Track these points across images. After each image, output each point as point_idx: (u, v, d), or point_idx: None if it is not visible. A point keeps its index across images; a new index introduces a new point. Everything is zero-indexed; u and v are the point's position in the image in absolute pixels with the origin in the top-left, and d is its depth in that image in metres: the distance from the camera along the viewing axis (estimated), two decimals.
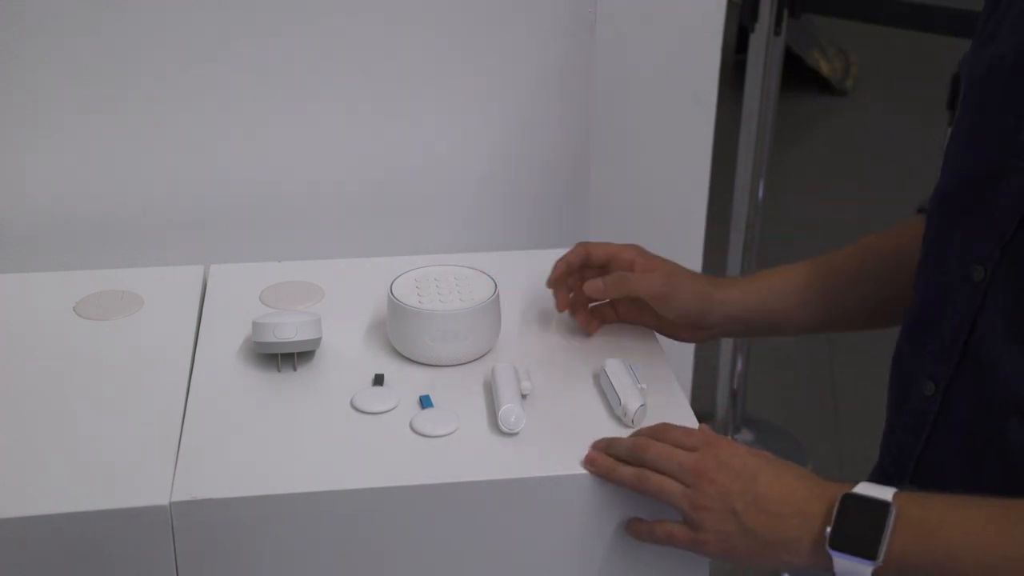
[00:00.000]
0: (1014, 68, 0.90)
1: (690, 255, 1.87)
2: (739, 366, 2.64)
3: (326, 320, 1.18)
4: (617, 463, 0.98)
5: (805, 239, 3.50)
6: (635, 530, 1.00)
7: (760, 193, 2.46)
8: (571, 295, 1.20)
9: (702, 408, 2.59)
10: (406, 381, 1.13)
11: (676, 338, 1.21)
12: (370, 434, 1.05)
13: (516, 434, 1.04)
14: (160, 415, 1.07)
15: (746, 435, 2.64)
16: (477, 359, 1.16)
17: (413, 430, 1.05)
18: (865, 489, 0.88)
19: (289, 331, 1.12)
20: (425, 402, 1.09)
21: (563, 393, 1.11)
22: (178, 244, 1.40)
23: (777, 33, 2.30)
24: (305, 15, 1.33)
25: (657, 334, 1.22)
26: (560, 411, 1.08)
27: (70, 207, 1.37)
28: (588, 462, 1.00)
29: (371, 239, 1.43)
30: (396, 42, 1.37)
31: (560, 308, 1.20)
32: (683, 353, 1.93)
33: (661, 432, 0.99)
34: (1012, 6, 0.94)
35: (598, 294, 1.15)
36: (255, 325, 1.14)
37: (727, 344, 2.64)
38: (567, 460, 1.01)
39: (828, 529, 0.87)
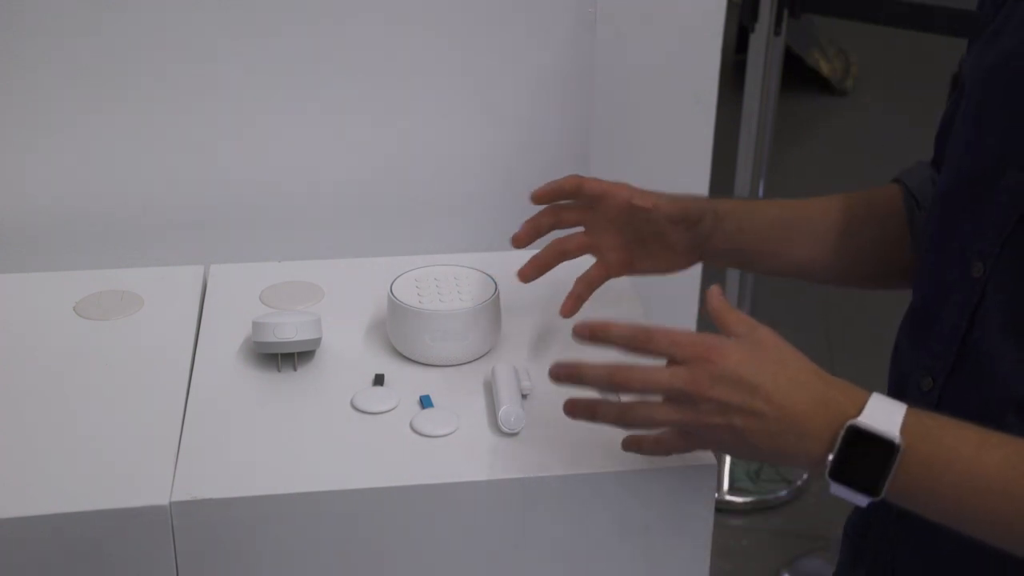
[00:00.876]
0: (1017, 66, 0.90)
1: None
2: None
3: (326, 320, 1.18)
4: (597, 403, 0.93)
5: None
6: (631, 443, 0.95)
7: (760, 193, 2.46)
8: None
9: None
10: (406, 381, 1.13)
11: (673, 269, 1.16)
12: (370, 434, 1.05)
13: (516, 434, 1.04)
14: (160, 415, 1.07)
15: None
16: (477, 359, 1.16)
17: (413, 430, 1.05)
18: (872, 419, 0.82)
19: (289, 331, 1.12)
20: (425, 402, 1.09)
21: (563, 393, 1.11)
22: (178, 244, 1.40)
23: (777, 33, 2.30)
24: (305, 15, 1.33)
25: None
26: (560, 411, 1.08)
27: (70, 207, 1.37)
28: (567, 409, 0.95)
29: (371, 239, 1.43)
30: (396, 42, 1.37)
31: (520, 240, 1.15)
32: None
33: (642, 343, 0.92)
34: (1020, 2, 0.94)
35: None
36: (255, 325, 1.14)
37: None
38: (567, 460, 1.01)
39: (830, 457, 0.83)
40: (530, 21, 1.40)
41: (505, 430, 1.04)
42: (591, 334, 0.94)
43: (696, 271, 1.83)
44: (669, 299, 1.83)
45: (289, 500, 0.97)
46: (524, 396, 1.09)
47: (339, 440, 1.04)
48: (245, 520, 0.98)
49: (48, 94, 1.32)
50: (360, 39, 1.36)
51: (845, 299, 3.21)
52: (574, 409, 0.95)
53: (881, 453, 0.82)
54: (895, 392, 1.03)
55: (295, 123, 1.39)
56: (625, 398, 0.93)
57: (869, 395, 0.85)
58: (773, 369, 0.87)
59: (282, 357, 1.14)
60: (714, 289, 0.95)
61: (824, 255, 1.13)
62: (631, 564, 1.04)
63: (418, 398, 1.09)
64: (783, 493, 2.55)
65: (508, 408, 1.04)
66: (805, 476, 2.58)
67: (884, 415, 0.83)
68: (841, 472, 0.83)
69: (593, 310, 1.25)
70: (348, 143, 1.41)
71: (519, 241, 1.16)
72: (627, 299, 1.28)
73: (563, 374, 0.94)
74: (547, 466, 1.01)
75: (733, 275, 2.58)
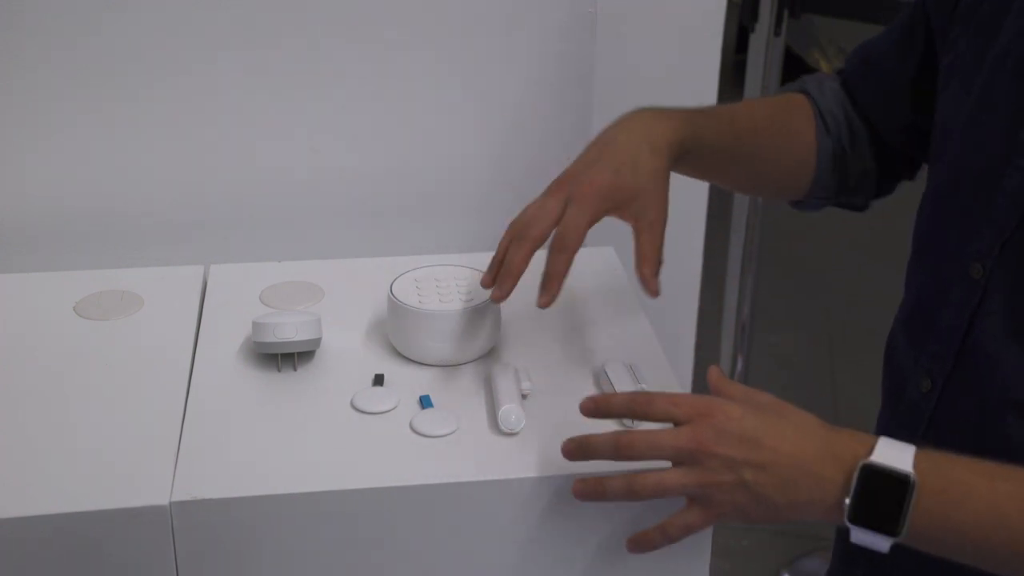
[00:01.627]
0: (1013, 70, 0.90)
1: (690, 255, 1.87)
2: (739, 366, 2.64)
3: (326, 320, 1.18)
4: (604, 481, 0.92)
5: (805, 239, 3.51)
6: (644, 543, 0.94)
7: (758, 202, 2.46)
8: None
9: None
10: (406, 381, 1.13)
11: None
12: (370, 434, 1.05)
13: (516, 434, 1.04)
14: (160, 415, 1.07)
15: None
16: (477, 359, 1.16)
17: (413, 430, 1.05)
18: (884, 457, 0.82)
19: (289, 331, 1.12)
20: (425, 402, 1.09)
21: (563, 393, 1.11)
22: (178, 244, 1.40)
23: (777, 33, 2.30)
24: (305, 15, 1.33)
25: (655, 337, 1.22)
26: (560, 411, 1.08)
27: (70, 207, 1.37)
28: (576, 492, 0.94)
29: (371, 239, 1.43)
30: (396, 42, 1.37)
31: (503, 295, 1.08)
32: (683, 353, 1.93)
33: (643, 407, 0.91)
34: (971, 12, 0.94)
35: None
36: (255, 325, 1.14)
37: (727, 344, 2.64)
38: (567, 460, 1.01)
39: (847, 501, 0.82)
40: (530, 21, 1.39)
41: (505, 430, 1.04)
42: (595, 407, 0.95)
43: (696, 271, 1.84)
44: (670, 299, 1.83)
45: (289, 500, 0.97)
46: (524, 396, 1.09)
47: (339, 440, 1.04)
48: (245, 520, 0.98)
49: (48, 94, 1.32)
50: (360, 39, 1.36)
51: (845, 299, 3.22)
52: (582, 490, 0.94)
53: (897, 490, 0.81)
54: (892, 393, 1.03)
55: (295, 123, 1.39)
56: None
57: (877, 438, 0.84)
58: (776, 421, 0.87)
59: (282, 357, 1.14)
60: (713, 369, 0.95)
61: (742, 173, 1.17)
62: (631, 564, 1.03)
63: (418, 398, 1.09)
64: None
65: (508, 408, 1.04)
66: None
67: (895, 453, 0.83)
68: (859, 514, 0.83)
69: (594, 313, 1.25)
70: (348, 143, 1.41)
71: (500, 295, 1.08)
72: (627, 301, 1.28)
73: (574, 449, 0.94)
74: (547, 466, 1.01)
75: (733, 275, 2.58)
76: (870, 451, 0.83)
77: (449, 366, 1.15)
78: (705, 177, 1.16)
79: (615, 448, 0.91)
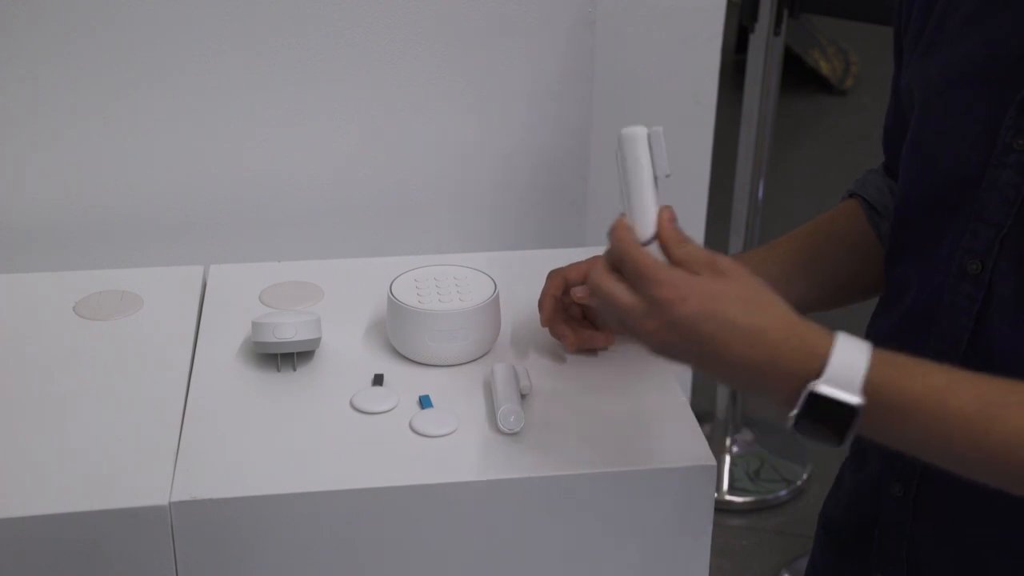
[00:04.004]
0: (980, 73, 0.91)
1: None
2: None
3: (326, 320, 1.18)
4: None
5: None
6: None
7: (760, 193, 2.46)
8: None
9: (702, 408, 2.59)
10: (406, 381, 1.13)
11: None
12: (370, 434, 1.05)
13: (516, 434, 1.04)
14: (160, 415, 1.07)
15: (746, 435, 2.64)
16: (477, 359, 1.16)
17: (413, 430, 1.05)
18: (834, 377, 0.81)
19: (289, 331, 1.12)
20: (425, 402, 1.09)
21: (563, 393, 1.11)
22: (178, 244, 1.40)
23: (777, 33, 2.30)
24: (305, 16, 1.34)
25: None
26: (560, 411, 1.08)
27: (70, 207, 1.37)
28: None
29: (371, 239, 1.44)
30: (395, 43, 1.37)
31: (570, 347, 1.15)
32: None
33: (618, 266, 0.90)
34: (949, 13, 0.94)
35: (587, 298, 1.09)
36: (255, 325, 1.14)
37: None
38: (567, 460, 1.01)
39: (792, 414, 0.83)
40: (530, 21, 1.40)
41: (505, 430, 1.04)
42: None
43: None
44: None
45: (289, 500, 0.97)
46: (524, 396, 1.09)
47: (338, 440, 1.04)
48: (245, 520, 0.98)
49: (48, 95, 1.32)
50: (360, 40, 1.36)
51: None
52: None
53: (843, 413, 0.81)
54: None
55: (295, 123, 1.39)
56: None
57: (832, 345, 0.83)
58: (730, 321, 0.84)
59: (282, 357, 1.14)
60: (665, 212, 0.92)
61: (799, 292, 1.11)
62: (631, 564, 1.04)
63: (418, 398, 1.09)
64: (783, 493, 2.55)
65: (508, 408, 1.04)
66: (805, 476, 2.58)
67: (846, 372, 0.82)
68: (803, 429, 0.83)
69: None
70: (348, 143, 1.41)
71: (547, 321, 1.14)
72: None
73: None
74: (546, 466, 1.01)
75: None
76: (821, 369, 0.82)
77: (449, 366, 1.15)
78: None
79: (590, 286, 0.91)
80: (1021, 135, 0.88)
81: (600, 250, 1.22)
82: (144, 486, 0.97)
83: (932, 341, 0.96)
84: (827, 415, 0.82)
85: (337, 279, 1.32)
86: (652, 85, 1.75)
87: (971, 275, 0.92)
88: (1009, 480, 0.82)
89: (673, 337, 0.86)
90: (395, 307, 1.15)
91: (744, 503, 2.53)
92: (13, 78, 1.30)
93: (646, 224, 0.91)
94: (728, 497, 2.53)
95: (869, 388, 0.82)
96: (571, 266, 1.14)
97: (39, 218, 1.37)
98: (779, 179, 3.10)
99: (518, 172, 1.47)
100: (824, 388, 0.81)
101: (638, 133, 0.93)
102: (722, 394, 2.63)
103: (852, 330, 0.85)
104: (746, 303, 0.85)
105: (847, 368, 0.82)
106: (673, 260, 0.89)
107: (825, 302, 1.14)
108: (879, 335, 1.04)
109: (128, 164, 1.37)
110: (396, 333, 1.17)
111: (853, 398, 0.81)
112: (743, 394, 2.66)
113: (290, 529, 0.98)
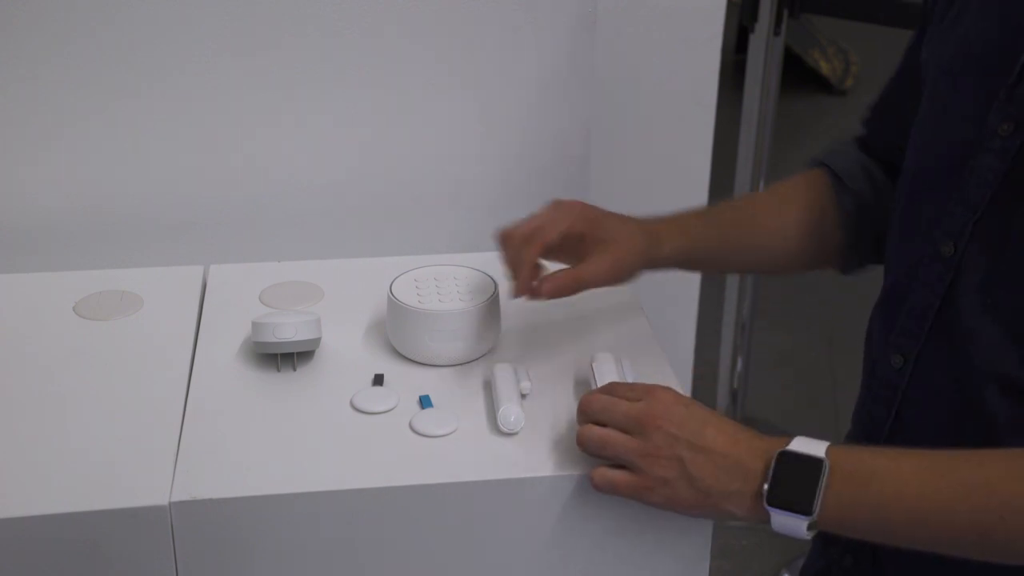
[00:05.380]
0: (983, 52, 0.92)
1: None
2: (739, 366, 2.64)
3: (326, 320, 1.18)
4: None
5: None
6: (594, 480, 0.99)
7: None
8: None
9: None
10: (406, 381, 1.13)
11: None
12: (370, 434, 1.05)
13: (516, 434, 1.04)
14: (160, 415, 1.07)
15: None
16: (477, 359, 1.16)
17: (413, 430, 1.05)
18: (800, 445, 0.89)
19: (289, 331, 1.12)
20: (425, 402, 1.09)
21: (563, 393, 1.11)
22: (178, 244, 1.40)
23: (777, 33, 2.30)
24: (305, 15, 1.33)
25: (655, 337, 1.22)
26: (560, 411, 1.08)
27: (70, 207, 1.37)
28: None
29: (371, 239, 1.44)
30: (396, 42, 1.37)
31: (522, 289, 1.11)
32: (683, 353, 1.93)
33: (605, 388, 1.00)
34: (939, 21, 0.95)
35: (554, 296, 1.09)
36: (255, 325, 1.14)
37: (727, 344, 2.64)
38: (567, 460, 1.01)
39: (765, 486, 0.88)
40: (530, 21, 1.40)
41: (505, 430, 1.04)
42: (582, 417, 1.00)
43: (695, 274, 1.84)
44: (670, 299, 1.83)
45: (289, 500, 0.97)
46: (524, 396, 1.09)
47: (338, 440, 1.04)
48: (245, 520, 0.98)
49: (48, 95, 1.32)
50: (359, 39, 1.36)
51: (845, 299, 3.21)
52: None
53: (810, 472, 0.87)
54: (867, 373, 1.05)
55: (295, 123, 1.39)
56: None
57: (795, 437, 0.90)
58: (714, 418, 0.93)
59: (282, 357, 1.14)
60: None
61: (759, 254, 1.19)
62: (631, 564, 1.04)
63: (418, 398, 1.09)
64: None
65: (508, 408, 1.04)
66: None
67: (810, 444, 0.89)
68: (776, 496, 0.88)
69: (594, 313, 1.25)
70: (348, 143, 1.41)
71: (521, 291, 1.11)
72: (627, 301, 1.28)
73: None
74: (546, 466, 1.01)
75: (733, 275, 2.58)
76: (787, 444, 0.89)
77: (449, 366, 1.15)
78: (709, 269, 1.21)
79: (579, 406, 0.99)
80: (1007, 120, 0.89)
81: None
82: (144, 486, 0.97)
83: (903, 318, 0.97)
84: (796, 476, 0.88)
85: (337, 279, 1.32)
86: (652, 85, 1.75)
87: (943, 256, 0.93)
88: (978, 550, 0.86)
89: (668, 426, 0.92)
90: (395, 307, 1.15)
91: None
92: (13, 78, 1.30)
93: None
94: None
95: (831, 453, 0.88)
96: (548, 229, 1.08)
97: (39, 218, 1.37)
98: (779, 179, 3.10)
99: (519, 172, 1.47)
100: (792, 448, 0.89)
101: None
102: (722, 394, 2.64)
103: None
104: (715, 414, 0.95)
105: (811, 442, 0.90)
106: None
107: (765, 269, 1.23)
108: (873, 321, 1.06)
109: (128, 164, 1.37)
110: (396, 333, 1.17)
111: (819, 454, 0.88)
112: (743, 394, 2.66)
113: (290, 529, 0.98)
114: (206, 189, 1.40)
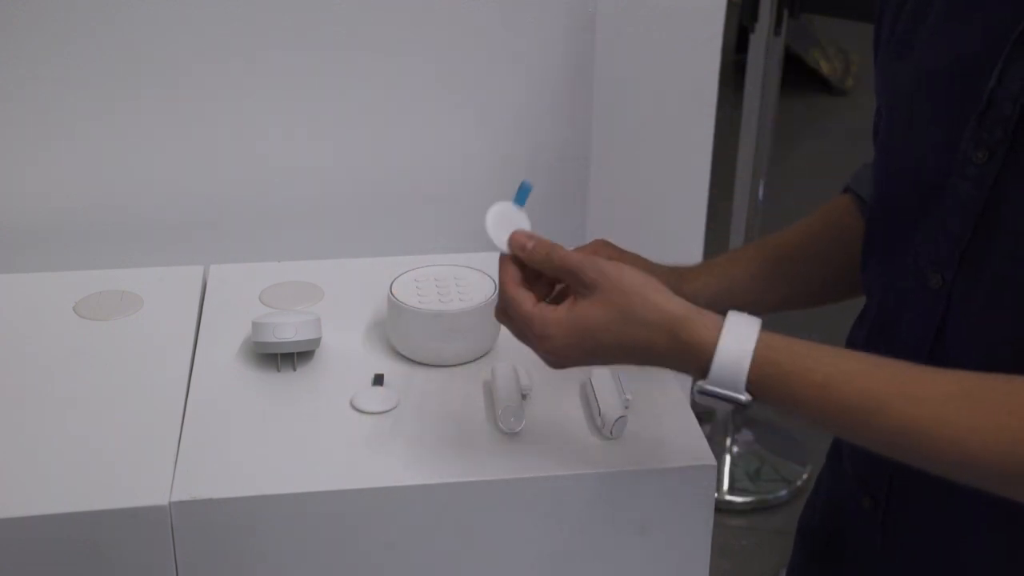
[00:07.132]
0: (945, 81, 0.90)
1: (690, 255, 1.87)
2: None
3: (326, 320, 1.18)
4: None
5: None
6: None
7: (760, 193, 2.46)
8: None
9: (702, 408, 2.59)
10: (406, 381, 1.13)
11: None
12: (370, 434, 1.05)
13: (516, 434, 1.04)
14: (160, 415, 1.07)
15: (746, 435, 2.64)
16: (477, 359, 1.16)
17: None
18: (717, 387, 0.86)
19: (289, 331, 1.12)
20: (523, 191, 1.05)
21: (563, 393, 1.11)
22: (178, 244, 1.40)
23: (777, 33, 2.30)
24: (305, 17, 1.34)
25: None
26: (560, 411, 1.08)
27: (70, 207, 1.37)
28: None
29: (371, 239, 1.44)
30: (395, 43, 1.37)
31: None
32: None
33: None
34: (921, 16, 0.94)
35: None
36: (255, 325, 1.14)
37: None
38: (567, 460, 1.01)
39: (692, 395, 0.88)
40: (530, 21, 1.40)
41: (505, 430, 1.04)
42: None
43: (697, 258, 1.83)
44: None
45: (289, 500, 0.97)
46: (524, 396, 1.09)
47: (338, 440, 1.04)
48: (245, 520, 0.98)
49: (49, 95, 1.32)
50: (359, 40, 1.36)
51: (845, 300, 3.21)
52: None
53: (737, 402, 0.86)
54: None
55: (295, 123, 1.39)
56: None
57: (715, 348, 0.86)
58: (602, 338, 0.89)
59: (282, 357, 1.14)
60: (517, 238, 1.00)
61: (790, 291, 1.17)
62: (631, 564, 1.04)
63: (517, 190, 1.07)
64: (783, 493, 2.55)
65: (508, 408, 1.04)
66: (805, 476, 2.58)
67: (730, 375, 0.86)
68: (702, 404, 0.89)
69: None
70: (348, 144, 1.41)
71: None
72: None
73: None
74: (547, 466, 1.01)
75: None
76: (706, 372, 0.86)
77: (449, 366, 1.15)
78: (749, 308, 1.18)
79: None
80: (980, 147, 0.87)
81: None
82: (144, 486, 0.97)
83: (895, 351, 0.96)
84: (723, 401, 0.87)
85: (337, 279, 1.32)
86: (652, 85, 1.75)
87: (931, 289, 0.91)
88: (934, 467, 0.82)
89: (561, 360, 0.91)
90: (395, 307, 1.15)
91: (744, 503, 2.53)
92: (13, 78, 1.30)
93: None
94: (728, 497, 2.53)
95: (753, 389, 0.86)
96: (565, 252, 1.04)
97: (39, 218, 1.37)
98: (779, 179, 3.09)
99: (519, 172, 1.47)
100: (711, 388, 0.86)
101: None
102: None
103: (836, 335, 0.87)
104: (619, 323, 0.89)
105: (730, 373, 0.86)
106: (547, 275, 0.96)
107: (801, 301, 1.18)
108: (856, 343, 1.04)
109: (128, 164, 1.37)
110: (396, 333, 1.17)
111: (741, 396, 0.86)
112: None
113: (290, 529, 0.98)
114: (206, 189, 1.40)
